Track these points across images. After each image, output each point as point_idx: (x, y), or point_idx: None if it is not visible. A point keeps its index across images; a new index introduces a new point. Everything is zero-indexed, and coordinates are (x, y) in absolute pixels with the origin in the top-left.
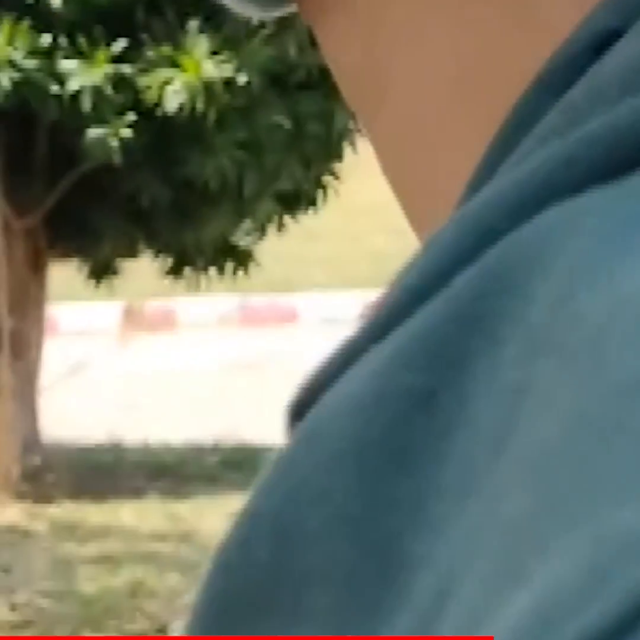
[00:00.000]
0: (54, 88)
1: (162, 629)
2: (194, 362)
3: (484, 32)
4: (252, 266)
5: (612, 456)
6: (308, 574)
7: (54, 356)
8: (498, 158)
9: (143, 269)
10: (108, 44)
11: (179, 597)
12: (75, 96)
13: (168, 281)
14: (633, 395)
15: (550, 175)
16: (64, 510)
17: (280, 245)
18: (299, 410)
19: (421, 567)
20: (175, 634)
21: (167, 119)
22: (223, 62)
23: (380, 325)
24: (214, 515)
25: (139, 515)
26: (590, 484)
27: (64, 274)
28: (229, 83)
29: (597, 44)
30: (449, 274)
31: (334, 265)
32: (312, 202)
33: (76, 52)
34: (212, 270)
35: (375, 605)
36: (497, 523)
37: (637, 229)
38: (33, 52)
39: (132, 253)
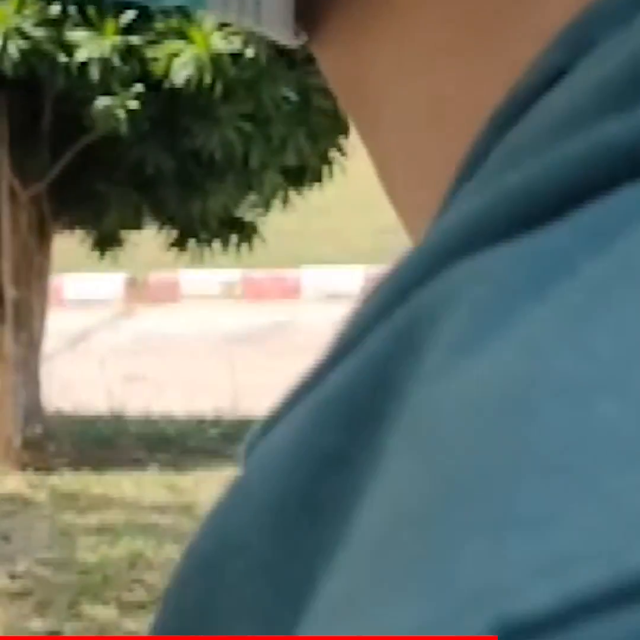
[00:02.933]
0: (62, 58)
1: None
2: (197, 335)
3: (457, 64)
4: (256, 240)
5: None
6: (231, 617)
7: (58, 326)
8: (452, 197)
9: (147, 241)
10: (117, 15)
11: None
12: (83, 66)
13: (172, 254)
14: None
15: (463, 228)
16: (65, 480)
17: (285, 220)
18: (251, 448)
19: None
20: None
21: (174, 90)
22: (231, 35)
23: (316, 373)
24: (214, 488)
25: (139, 486)
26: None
27: (69, 245)
28: (236, 56)
29: (545, 82)
30: (369, 329)
31: (338, 240)
32: (318, 177)
33: (85, 23)
34: (216, 244)
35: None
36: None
37: (517, 302)
38: (42, 22)
39: (137, 224)
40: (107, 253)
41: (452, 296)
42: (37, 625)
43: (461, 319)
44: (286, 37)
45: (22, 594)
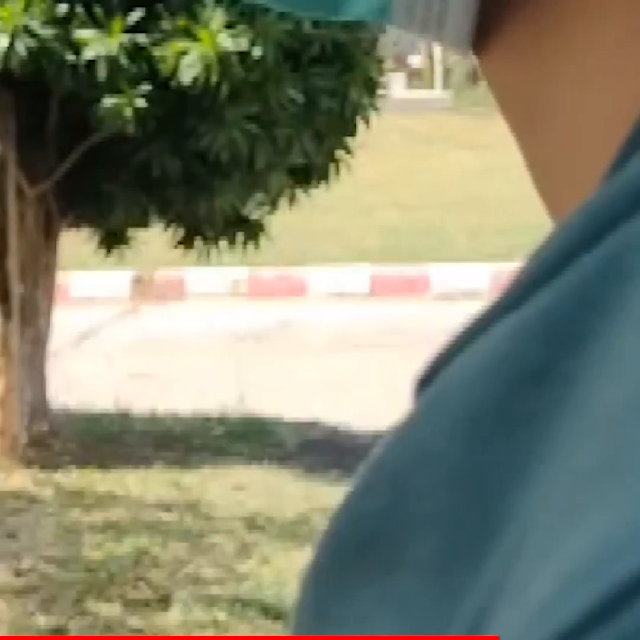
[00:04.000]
0: (70, 57)
1: (165, 598)
2: (203, 333)
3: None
4: (262, 239)
5: None
6: (416, 525)
7: (64, 323)
8: (629, 152)
9: (153, 240)
10: (124, 14)
11: (182, 566)
12: (91, 65)
13: (178, 253)
14: None
15: None
16: (70, 477)
17: (291, 219)
18: (427, 378)
19: (512, 521)
20: (177, 604)
21: (181, 90)
22: (238, 35)
23: (510, 298)
24: (219, 486)
25: (144, 484)
26: None
27: (76, 243)
28: (243, 56)
29: None
30: (575, 256)
31: (343, 239)
32: (324, 177)
33: (92, 22)
34: (223, 242)
35: (475, 552)
36: (566, 476)
37: None
38: (49, 21)
39: (143, 223)
40: (114, 251)
41: None
42: (41, 622)
43: None
44: (464, 51)
45: (27, 591)
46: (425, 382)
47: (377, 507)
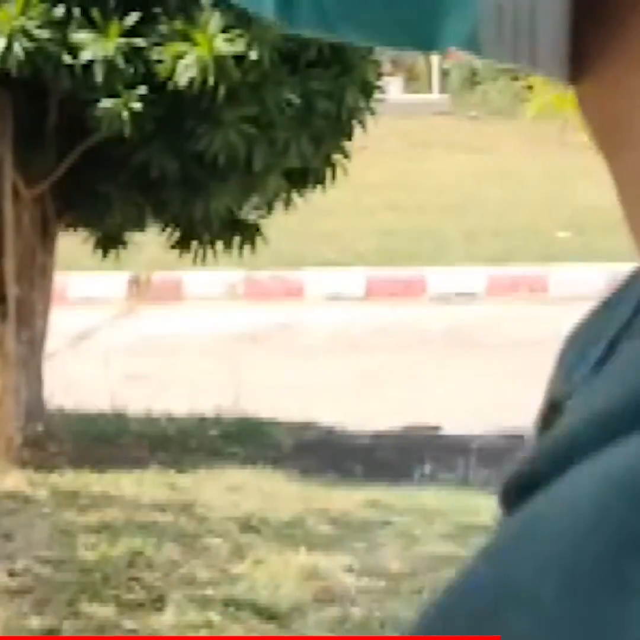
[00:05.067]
0: (67, 59)
1: (159, 599)
2: (199, 334)
3: None
4: (259, 241)
5: None
6: None
7: (61, 325)
8: None
9: (150, 242)
10: (121, 17)
11: (176, 567)
12: (88, 67)
13: (174, 255)
14: None
15: None
16: (65, 478)
17: (287, 221)
18: (517, 492)
19: None
20: (171, 605)
21: (177, 92)
22: (235, 37)
23: (600, 429)
24: (214, 488)
25: (139, 485)
26: None
27: (72, 245)
28: (240, 59)
29: None
30: None
31: (340, 242)
32: (321, 180)
33: (89, 24)
34: (219, 245)
35: None
36: None
37: None
38: (47, 23)
39: (140, 225)
40: (110, 253)
41: None
42: (35, 623)
43: None
44: (561, 76)
45: (21, 592)
46: (515, 496)
47: (460, 628)
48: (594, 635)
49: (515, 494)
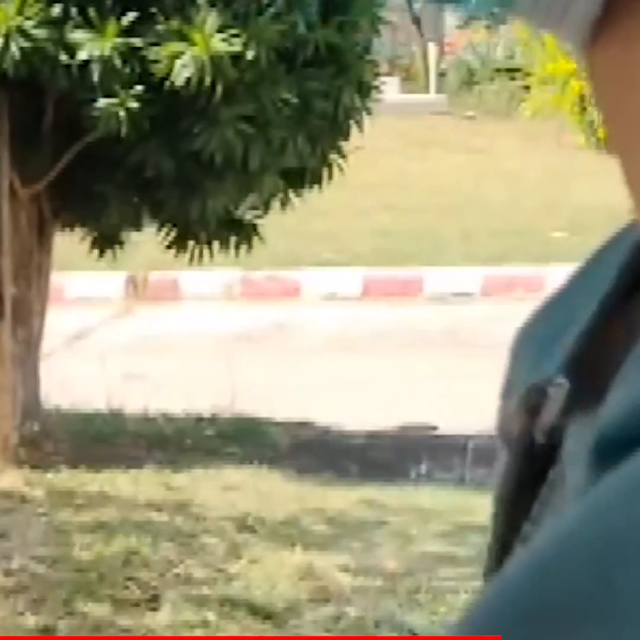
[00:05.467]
0: (64, 58)
1: (155, 598)
2: (196, 334)
3: None
4: (255, 241)
5: None
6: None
7: (58, 324)
8: None
9: (147, 241)
10: (118, 17)
11: (172, 566)
12: (84, 67)
13: (171, 255)
14: None
15: None
16: (62, 477)
17: (284, 221)
18: (614, 453)
19: None
20: (166, 604)
21: (174, 92)
22: (232, 37)
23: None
24: (210, 487)
25: (135, 484)
26: None
27: (70, 245)
28: (237, 58)
29: None
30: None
31: (337, 242)
32: (317, 180)
33: (86, 24)
34: (216, 244)
35: None
36: None
37: None
38: (44, 22)
39: (137, 224)
40: (107, 253)
41: None
42: (31, 621)
43: None
44: (579, 42)
45: (16, 591)
46: (619, 450)
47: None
48: None
49: (603, 456)
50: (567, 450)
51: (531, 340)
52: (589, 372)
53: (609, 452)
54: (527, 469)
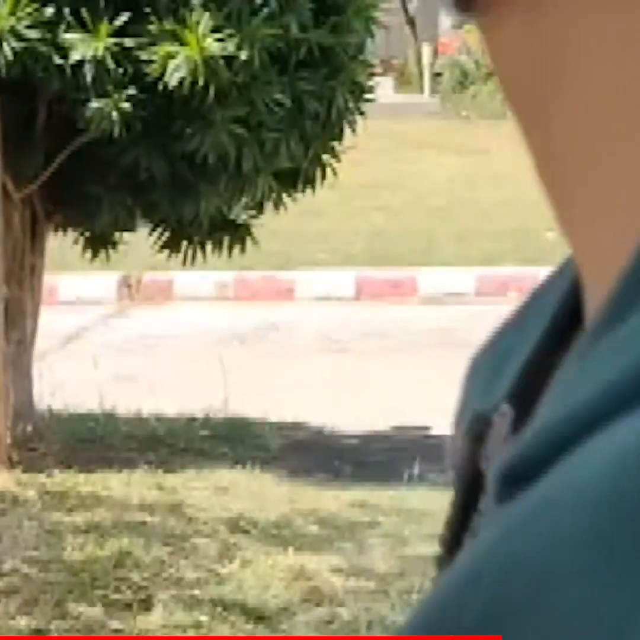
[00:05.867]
0: (57, 59)
1: (147, 600)
2: (189, 335)
3: None
4: (248, 242)
5: None
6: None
7: (51, 325)
8: None
9: (140, 242)
10: (111, 18)
11: (164, 568)
12: (77, 68)
13: (164, 255)
14: None
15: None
16: (54, 479)
17: (278, 222)
18: (516, 478)
19: None
20: (158, 606)
21: (167, 93)
22: (225, 38)
23: (596, 412)
24: (202, 488)
25: (128, 485)
26: None
27: (63, 246)
28: (230, 59)
29: None
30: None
31: (330, 243)
32: (310, 181)
33: (79, 25)
34: (209, 245)
35: None
36: None
37: None
38: (36, 23)
39: (130, 225)
40: (100, 254)
41: None
42: (23, 623)
43: None
44: (458, 9)
45: (8, 592)
46: (512, 484)
47: (478, 609)
48: (608, 614)
49: (507, 484)
50: (488, 478)
51: (482, 366)
52: (532, 401)
53: (508, 482)
54: (469, 498)
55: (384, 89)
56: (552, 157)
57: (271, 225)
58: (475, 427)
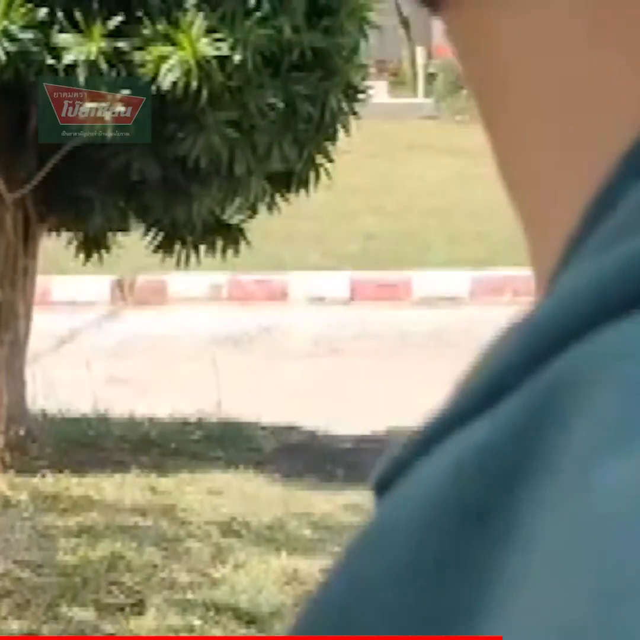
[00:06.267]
0: (50, 61)
1: (139, 603)
2: (183, 337)
3: (596, 49)
4: (242, 244)
5: None
6: None
7: (44, 327)
8: (585, 231)
9: (133, 245)
10: (104, 19)
11: (157, 571)
12: (70, 70)
13: (158, 258)
14: (626, 605)
15: (604, 290)
16: (46, 481)
17: (271, 224)
18: (383, 486)
19: None
20: (151, 609)
21: (160, 95)
22: (218, 40)
23: (447, 420)
24: (195, 491)
25: (120, 488)
26: None
27: (57, 248)
28: (223, 61)
29: None
30: (510, 388)
31: (324, 245)
32: (304, 183)
33: (72, 26)
34: (202, 248)
35: None
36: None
37: None
38: (29, 25)
39: (123, 228)
40: (93, 256)
41: (597, 370)
42: (15, 626)
43: (610, 402)
44: (420, 3)
45: (0, 596)
46: (381, 490)
47: (331, 619)
48: (439, 617)
49: (379, 488)
50: None
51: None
52: None
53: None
54: None
55: (378, 90)
56: (503, 147)
57: (265, 227)
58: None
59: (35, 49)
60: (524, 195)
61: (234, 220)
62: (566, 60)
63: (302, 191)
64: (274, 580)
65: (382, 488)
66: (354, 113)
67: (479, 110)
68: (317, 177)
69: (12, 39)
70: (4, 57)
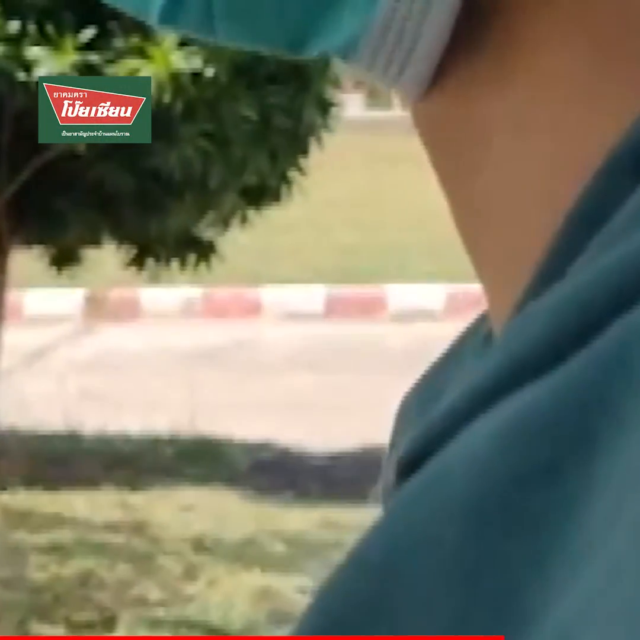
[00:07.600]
0: (21, 75)
1: (111, 620)
2: (156, 352)
3: (572, 127)
4: (215, 259)
5: None
6: (410, 610)
7: (16, 342)
8: (575, 243)
9: (105, 259)
10: (76, 33)
11: (128, 588)
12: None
13: (131, 272)
14: None
15: None
16: (17, 498)
17: (245, 238)
18: (415, 460)
19: (537, 623)
20: (122, 626)
21: None
22: (191, 54)
23: (490, 388)
24: (168, 508)
25: (92, 505)
26: None
27: (27, 262)
28: (196, 75)
29: None
30: (563, 354)
31: (299, 259)
32: (277, 197)
33: (44, 40)
34: (175, 263)
35: None
36: (615, 597)
37: None
38: (1, 38)
39: (95, 242)
40: (65, 270)
41: None
42: None
43: None
44: (414, 95)
45: None
46: (412, 465)
47: (363, 596)
48: (500, 576)
49: (403, 472)
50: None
51: (413, 406)
52: None
53: (405, 467)
54: None
55: (354, 104)
56: (468, 208)
57: (239, 241)
58: (402, 471)
59: (6, 63)
60: (482, 249)
61: (207, 235)
62: (543, 136)
63: (275, 205)
64: (247, 597)
65: (406, 469)
66: (328, 127)
67: (439, 173)
68: (290, 190)
69: None
70: None
